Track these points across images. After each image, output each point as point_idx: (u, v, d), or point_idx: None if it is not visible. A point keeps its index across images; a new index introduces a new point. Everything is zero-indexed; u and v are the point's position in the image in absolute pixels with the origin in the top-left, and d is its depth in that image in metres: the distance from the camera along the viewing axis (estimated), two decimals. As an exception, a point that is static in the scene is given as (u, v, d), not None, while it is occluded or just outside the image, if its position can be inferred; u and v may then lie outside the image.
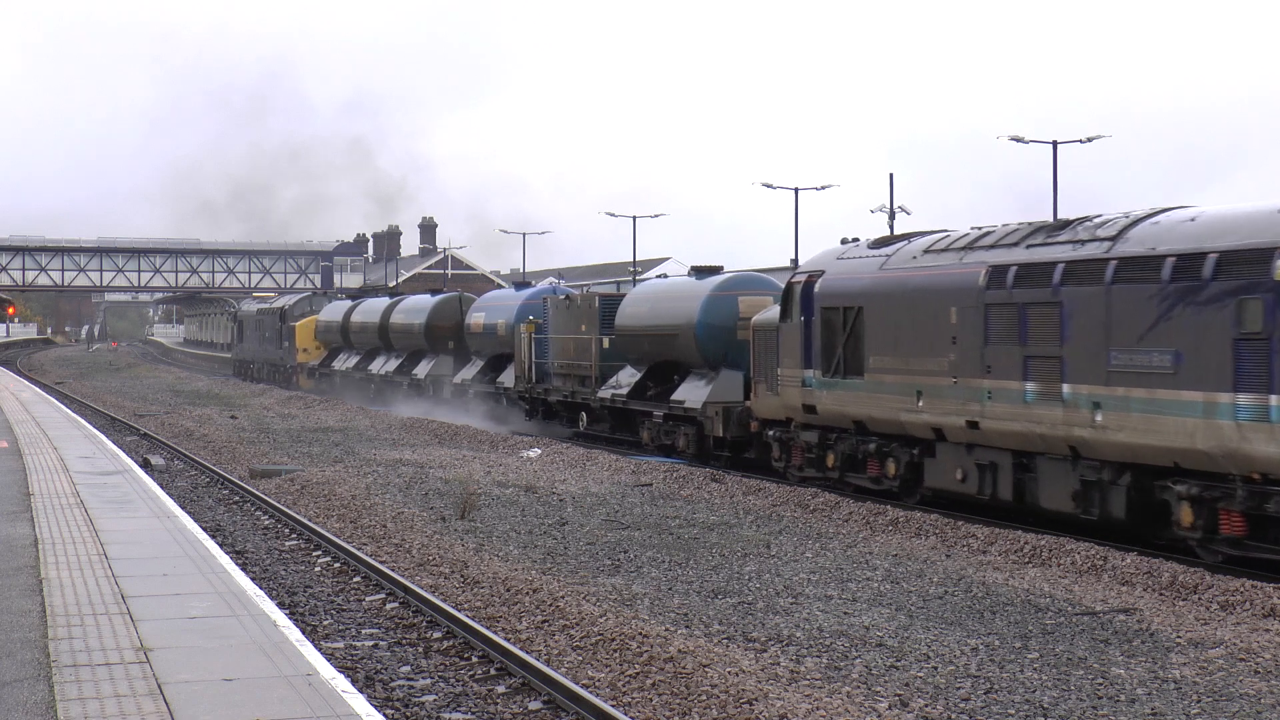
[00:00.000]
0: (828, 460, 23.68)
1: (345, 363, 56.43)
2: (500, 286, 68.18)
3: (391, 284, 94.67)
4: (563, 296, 37.09)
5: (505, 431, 37.17)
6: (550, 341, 36.85)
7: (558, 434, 36.21)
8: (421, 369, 48.52)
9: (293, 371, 63.02)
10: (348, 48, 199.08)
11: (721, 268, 32.48)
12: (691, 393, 29.37)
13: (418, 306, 50.34)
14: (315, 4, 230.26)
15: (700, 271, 32.01)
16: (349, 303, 59.69)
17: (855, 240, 24.64)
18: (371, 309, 55.01)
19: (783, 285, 26.78)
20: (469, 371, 43.93)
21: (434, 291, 52.65)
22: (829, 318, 23.32)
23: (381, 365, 52.11)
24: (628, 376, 32.41)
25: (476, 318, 43.82)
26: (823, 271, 23.88)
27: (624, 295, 34.58)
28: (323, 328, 60.92)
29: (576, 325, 35.11)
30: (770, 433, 25.65)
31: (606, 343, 33.72)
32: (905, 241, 22.68)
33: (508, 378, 40.24)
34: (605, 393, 32.84)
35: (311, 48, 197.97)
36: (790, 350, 24.39)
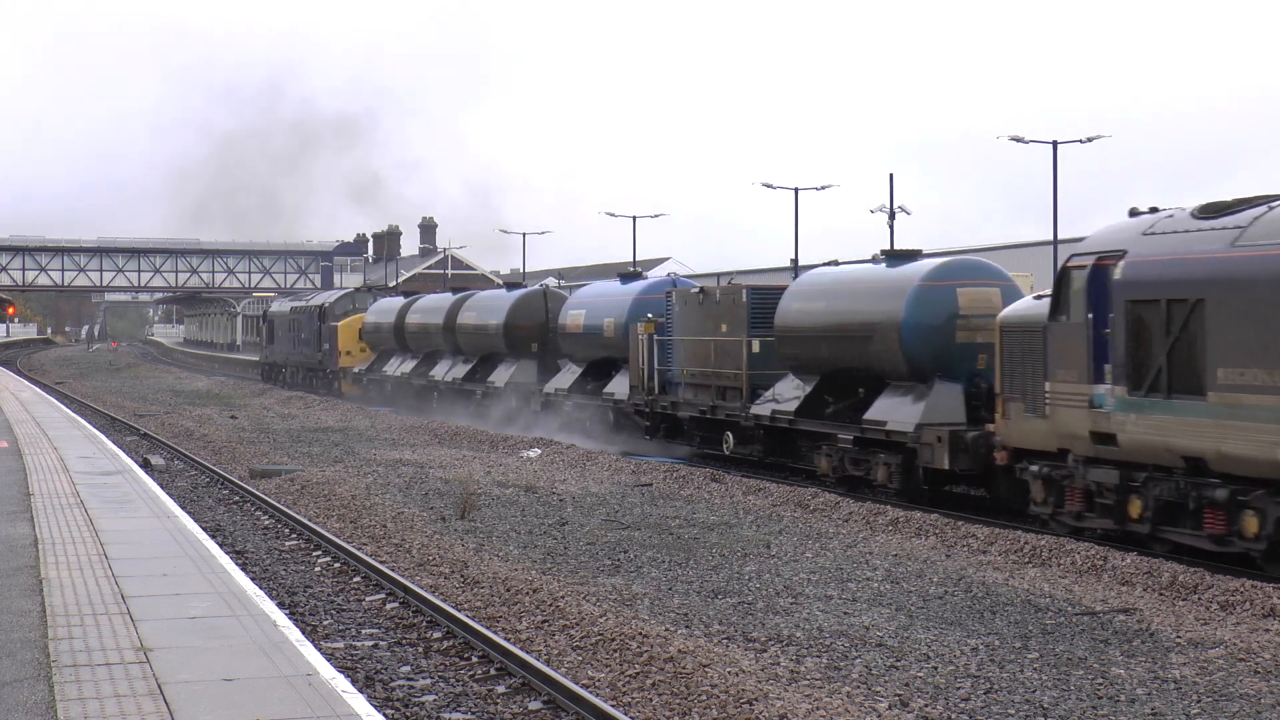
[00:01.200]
0: (1131, 508, 17.56)
1: (399, 367, 50.01)
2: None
3: (391, 284, 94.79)
4: (695, 290, 30.64)
5: (614, 452, 30.85)
6: (676, 345, 30.40)
7: (687, 458, 30.50)
8: (500, 376, 41.58)
9: (334, 377, 56.21)
10: (349, 49, 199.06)
11: (920, 251, 26.16)
12: (895, 411, 22.89)
13: (493, 304, 43.89)
14: (317, 6, 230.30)
15: (895, 257, 25.43)
16: (401, 299, 53.15)
17: (1160, 210, 18.41)
18: (433, 307, 48.41)
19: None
20: (563, 379, 37.00)
21: (511, 286, 46.92)
22: (1139, 314, 17.38)
23: (447, 370, 45.71)
24: (791, 389, 25.99)
25: (574, 316, 36.71)
26: (1123, 251, 17.81)
27: (783, 288, 27.84)
28: (370, 328, 53.97)
29: (714, 324, 28.73)
30: (1032, 468, 19.43)
31: (757, 345, 27.39)
32: (1265, 208, 16.51)
33: (618, 387, 33.47)
34: (761, 408, 26.39)
35: (313, 49, 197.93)
36: (1067, 358, 18.55)
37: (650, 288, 34.31)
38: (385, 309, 53.28)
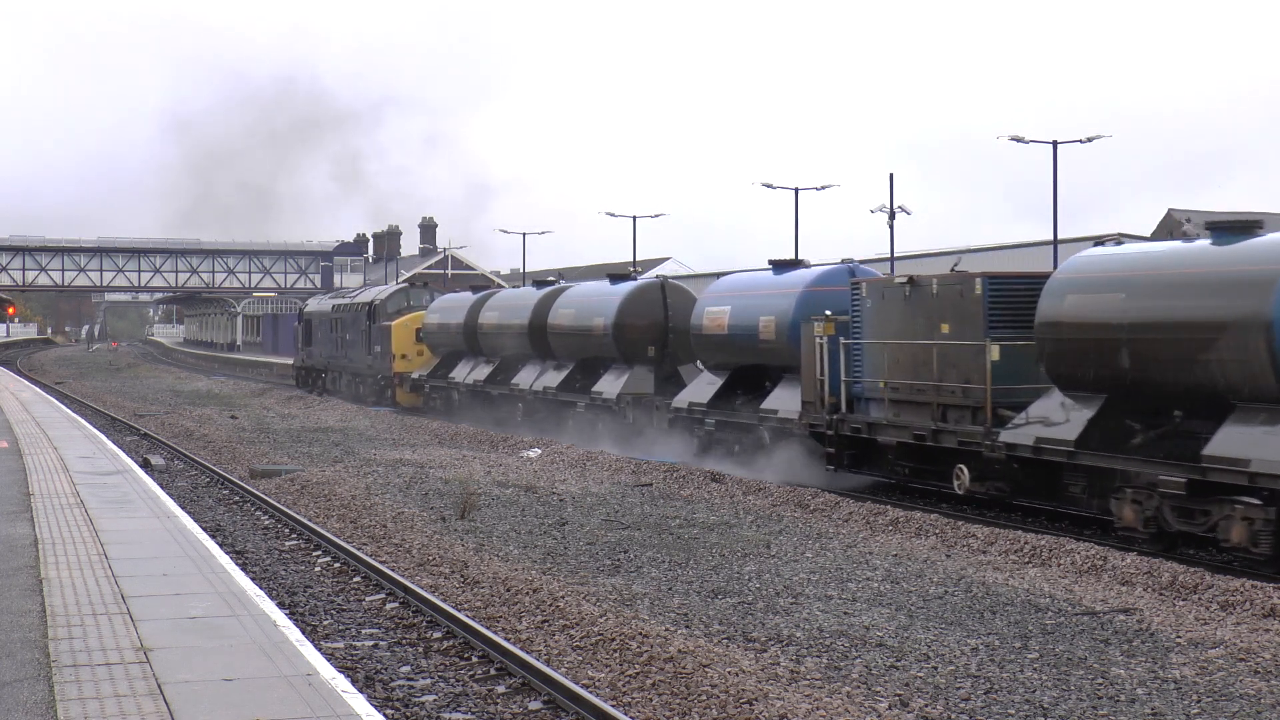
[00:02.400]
0: None
1: (471, 373, 43.43)
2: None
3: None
4: (900, 280, 23.54)
5: (775, 482, 24.58)
6: (869, 350, 23.71)
7: (889, 497, 23.54)
8: (608, 385, 34.56)
9: (387, 384, 49.59)
10: (350, 48, 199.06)
11: (1261, 222, 18.24)
12: (1266, 446, 16.48)
13: (597, 299, 36.39)
14: (318, 6, 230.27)
15: (1224, 230, 18.11)
16: (470, 295, 46.15)
17: None
18: (514, 303, 41.94)
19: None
20: (699, 391, 30.14)
21: (616, 277, 37.56)
22: None
23: (535, 378, 38.67)
24: (1060, 410, 19.70)
25: (715, 315, 29.76)
26: None
27: (1037, 275, 21.59)
28: (432, 328, 47.37)
29: (928, 323, 22.25)
30: None
31: (997, 352, 20.87)
32: None
33: (780, 402, 26.64)
34: (1017, 435, 20.00)
35: (314, 48, 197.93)
36: None
37: (823, 278, 27.14)
38: (451, 306, 46.61)
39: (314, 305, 61.67)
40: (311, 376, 60.17)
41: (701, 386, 30.19)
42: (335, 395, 54.53)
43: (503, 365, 41.81)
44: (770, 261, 29.82)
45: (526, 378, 39.21)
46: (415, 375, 47.74)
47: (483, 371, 42.60)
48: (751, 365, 28.53)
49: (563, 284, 41.57)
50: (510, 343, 41.01)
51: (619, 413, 33.64)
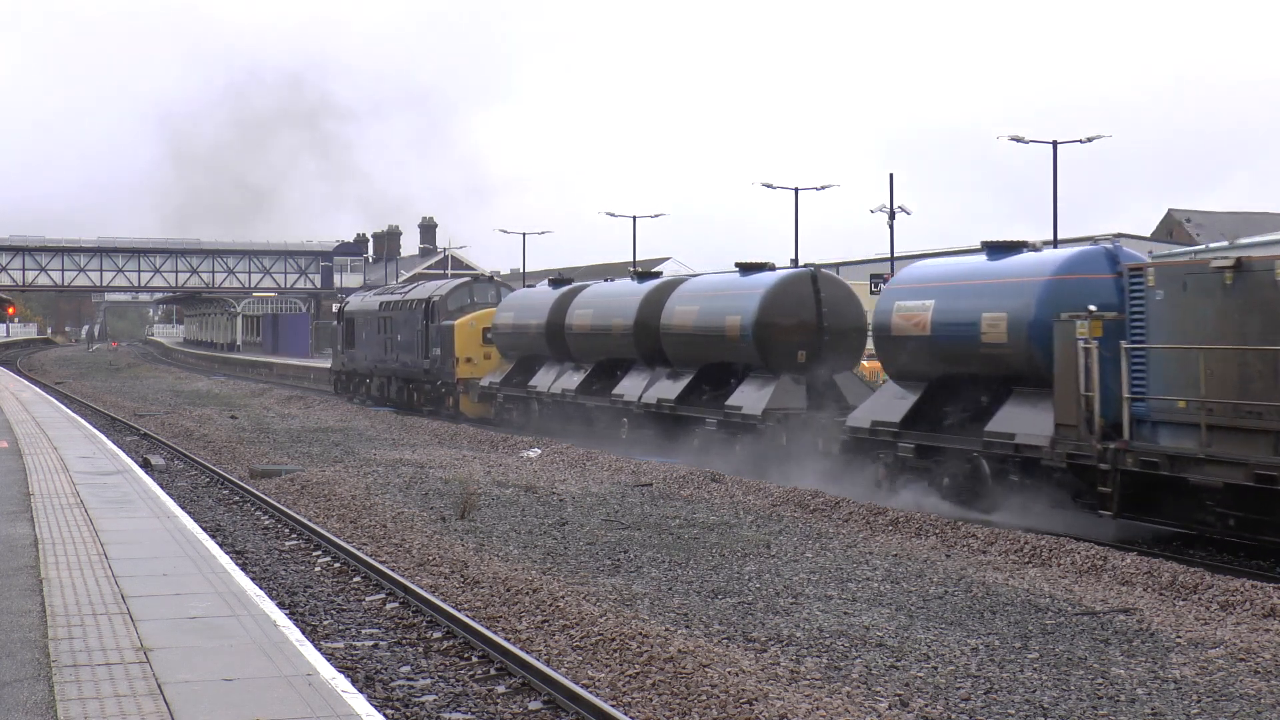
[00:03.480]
0: None
1: (558, 380, 37.15)
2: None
3: (392, 284, 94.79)
4: (1222, 265, 17.58)
5: (1018, 529, 19.70)
6: (1163, 358, 18.36)
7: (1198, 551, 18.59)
8: (748, 398, 28.40)
9: (448, 391, 43.70)
10: (349, 47, 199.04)
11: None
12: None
13: (727, 295, 30.26)
14: (322, 9, 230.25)
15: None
16: (551, 290, 39.83)
17: None
18: (613, 300, 35.45)
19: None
20: (885, 408, 23.81)
21: (748, 268, 30.95)
22: None
23: (643, 387, 32.58)
24: None
25: (910, 310, 23.39)
26: None
27: None
28: (505, 329, 41.03)
29: (1268, 320, 16.85)
30: None
31: None
32: None
33: (1019, 424, 20.77)
34: None
35: (313, 48, 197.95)
36: None
37: (1074, 263, 21.16)
38: (529, 304, 40.41)
39: (357, 302, 54.41)
40: (354, 382, 53.75)
41: (887, 402, 23.97)
42: (384, 404, 48.90)
43: (598, 372, 35.59)
44: (983, 244, 23.34)
45: (633, 387, 33.09)
46: (485, 382, 41.36)
47: (573, 379, 36.33)
48: (965, 375, 22.48)
49: (674, 276, 36.13)
50: (609, 346, 34.98)
51: (763, 432, 27.46)
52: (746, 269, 30.95)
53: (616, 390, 33.78)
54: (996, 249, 22.94)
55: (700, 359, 30.96)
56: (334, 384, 57.93)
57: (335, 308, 60.00)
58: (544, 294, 39.98)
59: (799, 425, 26.95)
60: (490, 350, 42.37)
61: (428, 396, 45.42)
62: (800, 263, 49.09)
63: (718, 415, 29.25)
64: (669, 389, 31.53)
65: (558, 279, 40.91)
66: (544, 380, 37.82)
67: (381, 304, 49.98)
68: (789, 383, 27.97)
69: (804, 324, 28.57)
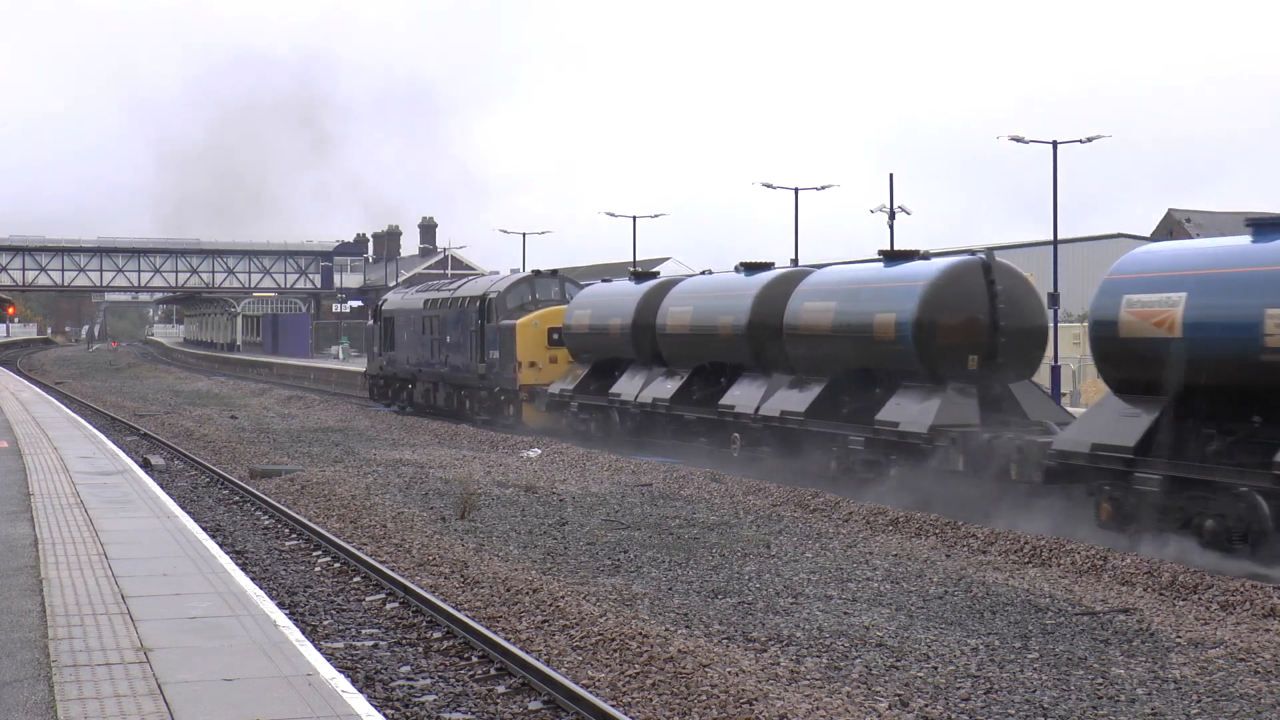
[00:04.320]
0: None
1: (649, 387, 32.04)
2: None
3: (392, 284, 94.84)
4: None
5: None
6: None
7: None
8: (907, 411, 23.09)
9: (509, 398, 38.68)
10: (350, 47, 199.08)
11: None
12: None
13: (875, 287, 25.10)
14: (323, 8, 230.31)
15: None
16: (632, 285, 34.71)
17: None
18: (717, 297, 30.49)
19: None
20: (1110, 427, 18.78)
21: (896, 256, 25.87)
22: None
23: (758, 398, 27.45)
24: None
25: (1145, 305, 18.49)
26: None
27: None
28: (579, 329, 35.98)
29: None
30: None
31: None
32: None
33: None
34: None
35: (313, 48, 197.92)
36: None
37: None
38: (611, 300, 35.30)
39: (396, 300, 49.61)
40: (394, 388, 48.82)
41: (1111, 420, 18.85)
42: (429, 412, 44.61)
43: (698, 379, 30.78)
44: (1249, 223, 18.57)
45: (746, 397, 28.01)
46: (555, 390, 36.22)
47: (665, 386, 31.35)
48: (1233, 387, 17.42)
49: (791, 269, 30.97)
50: (712, 349, 30.15)
51: (929, 454, 22.34)
52: (894, 257, 25.75)
53: (726, 400, 28.56)
54: (1267, 228, 17.88)
55: (836, 365, 25.65)
56: (369, 389, 52.01)
57: (373, 308, 52.50)
58: (626, 290, 34.74)
59: (978, 446, 21.38)
60: (557, 353, 37.53)
61: (483, 404, 40.35)
62: (800, 263, 48.81)
63: (864, 432, 23.99)
64: (794, 399, 26.26)
65: (641, 272, 35.75)
66: (628, 387, 32.88)
67: (427, 302, 44.95)
68: (957, 394, 22.76)
69: (975, 322, 23.33)
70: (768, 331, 27.81)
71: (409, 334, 46.27)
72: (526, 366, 37.88)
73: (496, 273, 44.12)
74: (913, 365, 23.50)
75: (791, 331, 26.86)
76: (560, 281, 40.48)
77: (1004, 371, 23.26)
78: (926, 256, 25.71)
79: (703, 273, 34.88)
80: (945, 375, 23.03)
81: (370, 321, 52.22)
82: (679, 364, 31.51)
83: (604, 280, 38.17)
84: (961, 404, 22.59)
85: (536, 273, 40.99)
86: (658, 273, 35.61)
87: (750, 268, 30.63)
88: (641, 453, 30.44)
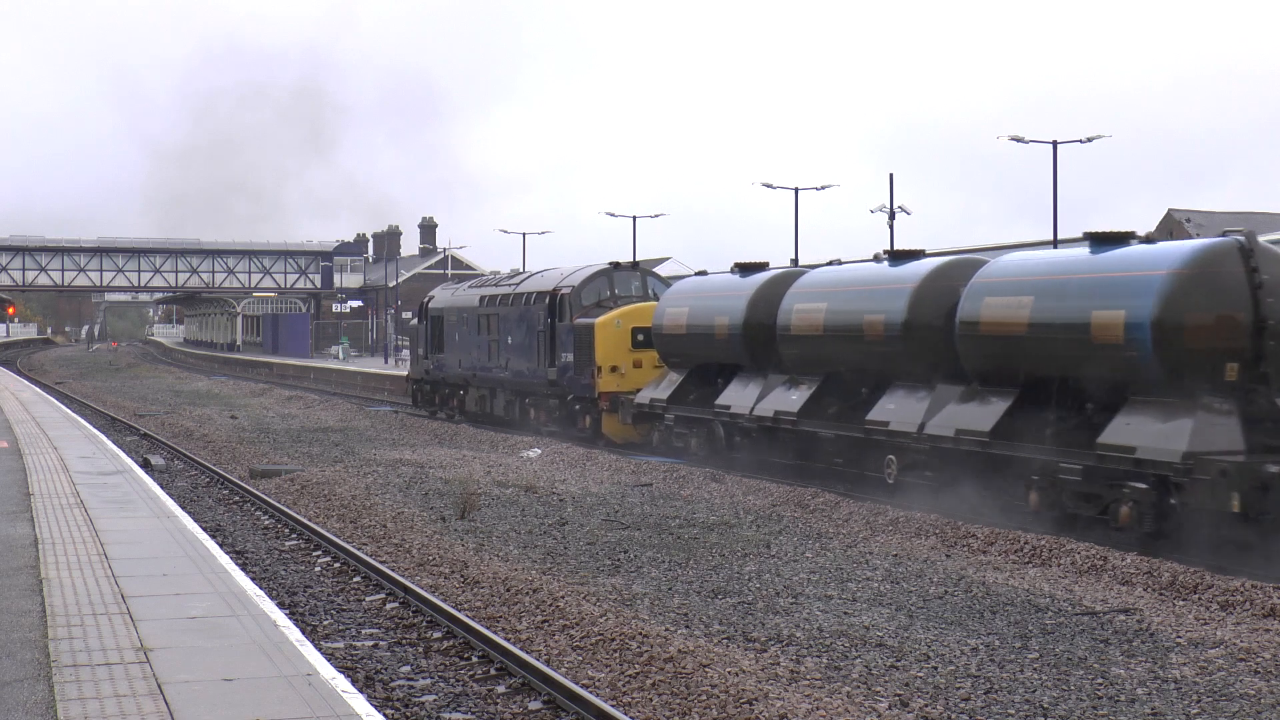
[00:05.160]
0: None
1: (765, 398, 26.80)
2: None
3: (391, 284, 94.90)
4: None
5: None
6: None
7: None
8: (1142, 434, 18.27)
9: (585, 408, 33.83)
10: (351, 47, 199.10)
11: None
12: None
13: (1087, 284, 19.95)
14: (323, 8, 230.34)
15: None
16: (744, 279, 29.25)
17: None
18: (859, 291, 25.15)
19: None
20: None
21: (1105, 240, 20.29)
22: None
23: (920, 413, 22.42)
24: None
25: None
26: None
27: None
28: (674, 329, 30.74)
29: None
30: None
31: None
32: None
33: None
34: None
35: (313, 47, 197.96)
36: None
37: None
38: (714, 296, 29.94)
39: (444, 296, 45.05)
40: (441, 394, 44.20)
41: None
42: (485, 421, 39.96)
43: (829, 389, 25.52)
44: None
45: (905, 411, 22.79)
46: (645, 399, 31.06)
47: (789, 397, 26.10)
48: None
49: (961, 256, 25.87)
50: (854, 354, 24.82)
51: (1187, 490, 17.38)
52: (1103, 240, 20.24)
53: (877, 415, 23.29)
54: None
55: (1032, 372, 20.63)
56: (412, 395, 47.74)
57: (418, 307, 47.39)
58: (733, 284, 29.50)
59: (1265, 480, 16.77)
60: (642, 356, 32.72)
61: (552, 414, 35.66)
62: (799, 263, 48.63)
63: (1081, 458, 18.94)
64: (974, 416, 21.12)
65: (748, 264, 30.06)
66: (739, 397, 27.76)
67: (483, 299, 40.34)
68: (1214, 411, 17.77)
69: (1233, 322, 18.18)
70: (934, 333, 22.60)
71: (461, 334, 41.79)
72: (607, 372, 32.90)
73: (556, 268, 38.24)
74: (1150, 374, 18.44)
75: (969, 333, 21.54)
76: (642, 275, 35.89)
77: (1271, 384, 18.12)
78: (1150, 240, 20.89)
79: (830, 263, 29.82)
80: (1193, 388, 18.04)
81: (414, 320, 47.55)
82: (805, 371, 26.18)
83: (700, 273, 33.50)
84: (1220, 423, 17.66)
85: (615, 265, 35.57)
86: (766, 264, 29.98)
87: (898, 256, 25.32)
88: (760, 475, 25.64)
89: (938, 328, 22.58)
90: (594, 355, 33.04)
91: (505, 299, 38.71)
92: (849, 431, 24.31)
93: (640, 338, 32.85)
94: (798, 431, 25.69)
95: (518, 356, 37.28)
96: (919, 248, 26.34)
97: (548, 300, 35.54)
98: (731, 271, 30.70)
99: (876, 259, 26.45)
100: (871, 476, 23.62)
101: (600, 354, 32.98)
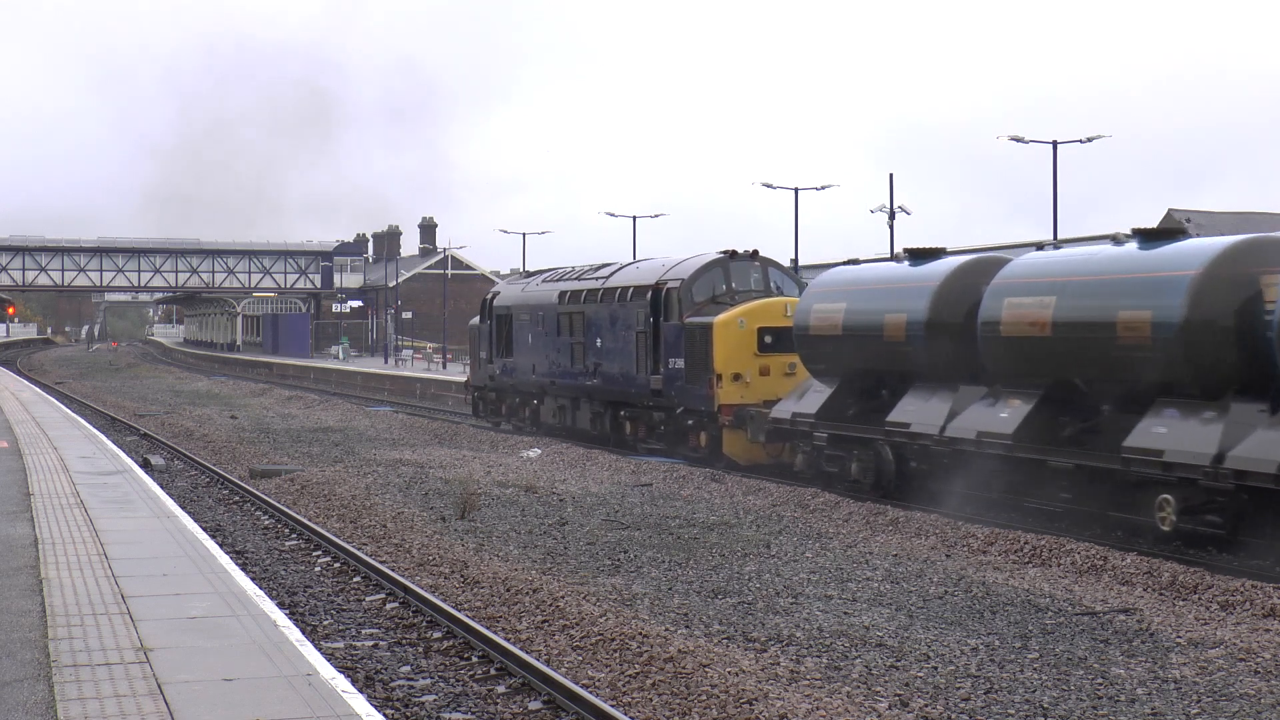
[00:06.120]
0: None
1: (956, 416, 21.44)
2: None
3: (391, 284, 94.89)
4: None
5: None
6: None
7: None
8: None
9: (699, 424, 28.44)
10: (350, 47, 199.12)
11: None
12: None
13: None
14: (323, 7, 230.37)
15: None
16: (917, 267, 23.88)
17: None
18: (1103, 277, 19.62)
19: None
20: None
21: None
22: None
23: (1207, 438, 17.01)
24: None
25: None
26: None
27: None
28: (827, 329, 24.99)
29: None
30: None
31: None
32: None
33: None
34: None
35: (317, 49, 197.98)
36: None
37: None
38: (878, 290, 24.53)
39: (512, 292, 39.42)
40: (510, 403, 38.82)
41: None
42: (562, 434, 34.86)
43: (1052, 405, 20.02)
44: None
45: (1186, 438, 17.40)
46: (785, 413, 25.62)
47: (998, 415, 20.58)
48: None
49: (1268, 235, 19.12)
50: (1098, 359, 19.24)
51: None
52: None
53: (1139, 441, 17.92)
54: None
55: None
56: (474, 404, 42.19)
57: (485, 301, 41.22)
58: (906, 274, 23.95)
59: None
60: (769, 362, 27.89)
61: (654, 430, 30.60)
62: (799, 264, 48.69)
63: None
64: None
65: (921, 250, 24.41)
66: (921, 414, 22.19)
67: (564, 295, 35.03)
68: None
69: None
70: (1217, 333, 17.61)
71: (535, 335, 36.46)
72: (728, 380, 27.78)
73: (653, 259, 33.49)
74: None
75: None
76: (763, 266, 30.27)
77: None
78: None
79: (1053, 245, 23.83)
80: None
81: (476, 320, 41.72)
82: (1018, 382, 20.66)
83: (850, 262, 28.52)
84: None
85: (731, 254, 30.09)
86: (943, 249, 24.61)
87: (1151, 235, 19.78)
88: (959, 516, 20.40)
89: (1226, 328, 17.57)
90: (712, 360, 27.98)
91: (593, 295, 33.38)
92: (1098, 461, 18.69)
93: (768, 340, 27.97)
94: (1013, 459, 20.06)
95: (610, 361, 32.21)
96: (1177, 227, 21.74)
97: (649, 296, 30.41)
98: (897, 259, 25.71)
99: (1129, 237, 20.36)
100: (1129, 521, 18.42)
101: (720, 359, 27.91)
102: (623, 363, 31.51)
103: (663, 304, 29.91)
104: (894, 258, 24.16)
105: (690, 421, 28.84)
